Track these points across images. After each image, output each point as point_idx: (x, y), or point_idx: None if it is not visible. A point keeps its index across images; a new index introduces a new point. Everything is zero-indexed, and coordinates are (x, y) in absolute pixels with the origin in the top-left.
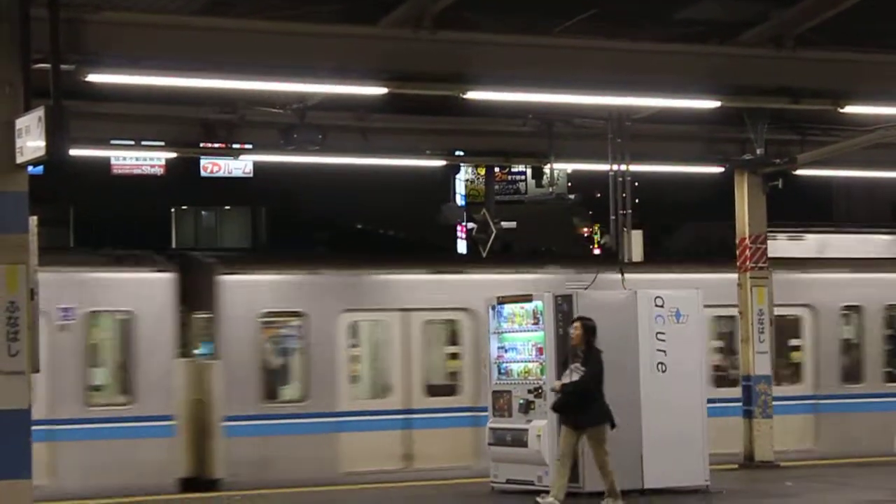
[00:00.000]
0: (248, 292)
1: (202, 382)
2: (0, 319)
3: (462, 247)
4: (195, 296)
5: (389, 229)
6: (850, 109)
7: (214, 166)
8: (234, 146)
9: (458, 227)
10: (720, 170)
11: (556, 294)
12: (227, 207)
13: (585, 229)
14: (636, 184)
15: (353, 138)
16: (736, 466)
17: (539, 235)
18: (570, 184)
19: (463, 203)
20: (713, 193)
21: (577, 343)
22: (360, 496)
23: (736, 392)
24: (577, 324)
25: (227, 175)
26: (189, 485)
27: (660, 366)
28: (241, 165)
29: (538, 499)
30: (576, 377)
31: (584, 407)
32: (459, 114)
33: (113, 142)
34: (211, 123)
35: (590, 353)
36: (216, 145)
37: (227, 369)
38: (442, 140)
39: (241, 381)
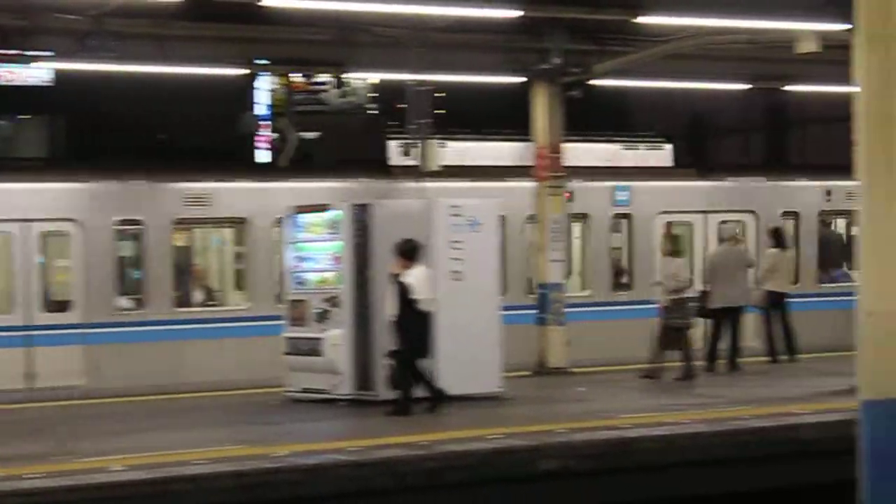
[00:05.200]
0: None
1: None
2: None
3: (263, 156)
4: None
5: (190, 137)
6: (643, 20)
7: (10, 74)
8: (29, 53)
9: (259, 137)
10: (520, 80)
11: (353, 203)
12: (26, 116)
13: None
14: (437, 94)
15: (153, 46)
16: (529, 373)
17: (343, 146)
18: (376, 94)
19: (267, 112)
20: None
21: None
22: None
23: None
24: None
25: (23, 83)
26: None
27: (455, 274)
28: (38, 74)
29: None
30: None
31: None
32: (260, 22)
33: None
34: (5, 30)
35: None
36: (10, 52)
37: None
38: (242, 48)
39: None
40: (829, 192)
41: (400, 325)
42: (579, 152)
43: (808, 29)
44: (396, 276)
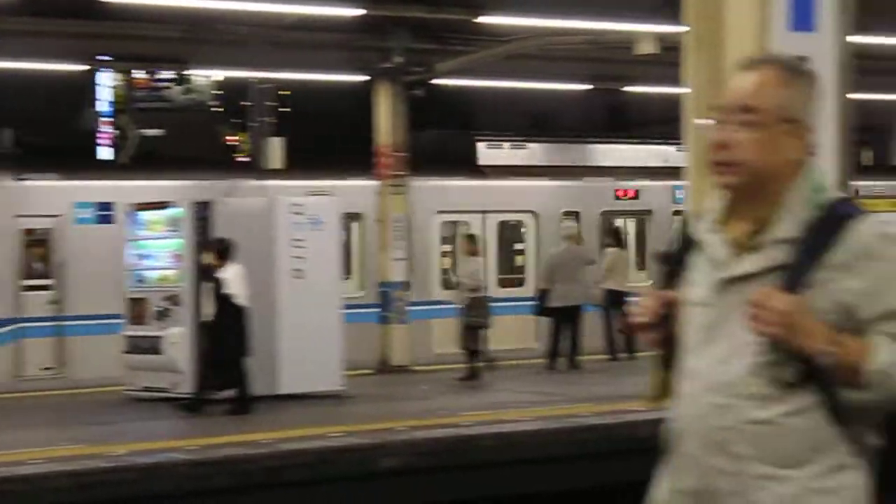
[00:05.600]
0: None
1: None
2: None
3: (106, 154)
4: None
5: (31, 134)
6: (484, 19)
7: None
8: None
9: (100, 134)
10: (364, 78)
11: (194, 201)
12: None
13: (232, 138)
14: (283, 93)
15: None
16: (372, 371)
17: (186, 143)
18: (220, 91)
19: (110, 109)
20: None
21: None
22: None
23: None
24: None
25: None
26: None
27: (297, 272)
28: None
29: None
30: None
31: None
32: (102, 18)
33: None
34: None
35: None
36: None
37: None
38: (84, 44)
39: None
40: (856, 192)
41: (218, 324)
42: (645, 154)
43: (646, 30)
44: (212, 270)
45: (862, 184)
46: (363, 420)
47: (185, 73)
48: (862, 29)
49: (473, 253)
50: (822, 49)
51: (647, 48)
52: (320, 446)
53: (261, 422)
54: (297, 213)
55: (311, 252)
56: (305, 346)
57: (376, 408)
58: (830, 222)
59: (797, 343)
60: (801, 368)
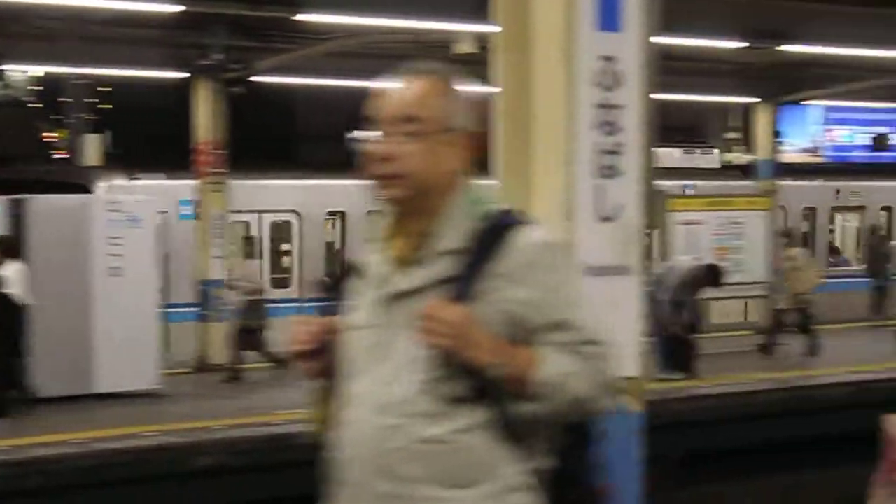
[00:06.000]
0: None
1: None
2: None
3: None
4: None
5: None
6: (302, 17)
7: None
8: None
9: None
10: (183, 75)
11: (7, 197)
12: None
13: (50, 134)
14: (104, 89)
15: None
16: (190, 370)
17: (2, 140)
18: (38, 87)
19: None
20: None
21: None
22: None
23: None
24: None
25: None
26: None
27: (114, 270)
28: None
29: None
30: None
31: None
32: None
33: None
34: None
35: None
36: None
37: None
38: None
39: None
40: (838, 191)
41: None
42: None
43: (465, 30)
44: None
45: (677, 183)
46: (179, 419)
47: (1, 68)
48: (667, 30)
49: (250, 255)
50: (628, 49)
51: (466, 48)
52: (135, 445)
53: (75, 421)
54: (114, 211)
55: (129, 250)
56: (121, 344)
57: (193, 407)
58: (493, 232)
59: (466, 355)
60: (471, 383)
